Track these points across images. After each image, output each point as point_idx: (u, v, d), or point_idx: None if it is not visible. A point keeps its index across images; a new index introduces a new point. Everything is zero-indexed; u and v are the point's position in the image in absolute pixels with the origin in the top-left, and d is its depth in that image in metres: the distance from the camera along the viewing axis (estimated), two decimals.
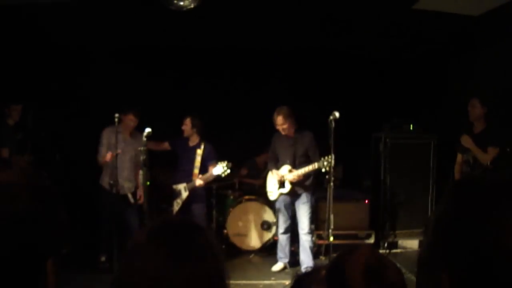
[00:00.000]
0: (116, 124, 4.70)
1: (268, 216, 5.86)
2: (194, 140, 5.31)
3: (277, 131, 5.03)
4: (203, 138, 5.33)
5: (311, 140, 4.95)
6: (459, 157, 4.76)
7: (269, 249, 5.93)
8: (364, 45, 6.40)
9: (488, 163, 4.19)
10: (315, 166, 4.67)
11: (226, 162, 4.99)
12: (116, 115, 4.67)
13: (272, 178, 5.24)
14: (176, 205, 5.31)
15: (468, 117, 4.56)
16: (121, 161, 4.84)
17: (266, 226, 5.85)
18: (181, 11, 3.92)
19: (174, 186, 5.32)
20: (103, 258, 4.98)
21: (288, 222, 5.23)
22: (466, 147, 4.51)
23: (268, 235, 5.89)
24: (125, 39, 6.14)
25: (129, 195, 5.08)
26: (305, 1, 5.00)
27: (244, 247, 5.77)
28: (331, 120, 4.21)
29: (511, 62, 4.84)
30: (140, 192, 5.08)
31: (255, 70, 6.56)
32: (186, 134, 5.29)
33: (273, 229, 5.90)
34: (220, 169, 4.98)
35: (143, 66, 6.30)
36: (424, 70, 6.31)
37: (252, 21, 5.52)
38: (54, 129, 6.03)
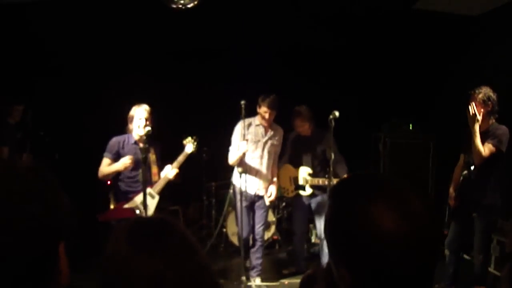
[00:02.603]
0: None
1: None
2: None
3: (293, 130, 4.88)
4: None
5: (327, 138, 4.57)
6: (462, 158, 4.22)
7: (267, 248, 5.94)
8: (363, 45, 6.41)
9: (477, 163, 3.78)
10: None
11: (191, 137, 4.34)
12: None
13: (286, 175, 4.95)
14: None
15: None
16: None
17: None
18: (182, 10, 3.91)
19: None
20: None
21: (304, 225, 5.04)
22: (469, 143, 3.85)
23: (267, 235, 5.89)
24: (126, 39, 6.13)
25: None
26: (306, 0, 5.01)
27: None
28: (331, 120, 4.20)
29: (510, 62, 4.84)
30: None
31: (255, 70, 6.55)
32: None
33: (272, 228, 5.91)
34: (190, 146, 4.30)
35: (145, 66, 6.29)
36: (424, 70, 6.31)
37: (252, 20, 5.52)
38: (53, 128, 6.02)
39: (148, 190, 4.02)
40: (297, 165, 4.90)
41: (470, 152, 3.87)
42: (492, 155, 3.75)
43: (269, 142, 4.59)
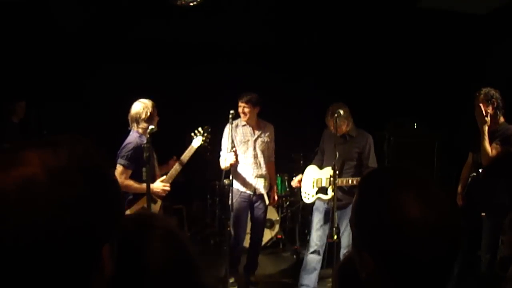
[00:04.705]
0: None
1: (271, 214, 5.85)
2: None
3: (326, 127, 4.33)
4: None
5: (368, 143, 4.22)
6: (470, 158, 4.14)
7: (271, 247, 5.93)
8: (368, 43, 6.38)
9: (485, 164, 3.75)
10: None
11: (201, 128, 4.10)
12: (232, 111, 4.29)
13: (309, 177, 4.40)
14: None
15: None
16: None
17: (268, 224, 5.85)
18: (187, 6, 3.89)
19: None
20: (232, 280, 4.52)
21: (324, 239, 4.22)
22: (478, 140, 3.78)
23: (270, 233, 5.89)
24: (129, 34, 6.11)
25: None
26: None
27: (246, 245, 5.76)
28: (335, 118, 4.16)
29: None
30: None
31: (257, 68, 6.53)
32: None
33: (276, 227, 5.91)
34: (198, 140, 4.06)
35: (148, 62, 6.26)
36: (428, 68, 6.28)
37: (254, 17, 5.50)
38: (57, 127, 6.01)
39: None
40: (324, 166, 4.32)
41: (479, 151, 3.86)
42: (500, 155, 3.73)
43: (259, 140, 4.57)
